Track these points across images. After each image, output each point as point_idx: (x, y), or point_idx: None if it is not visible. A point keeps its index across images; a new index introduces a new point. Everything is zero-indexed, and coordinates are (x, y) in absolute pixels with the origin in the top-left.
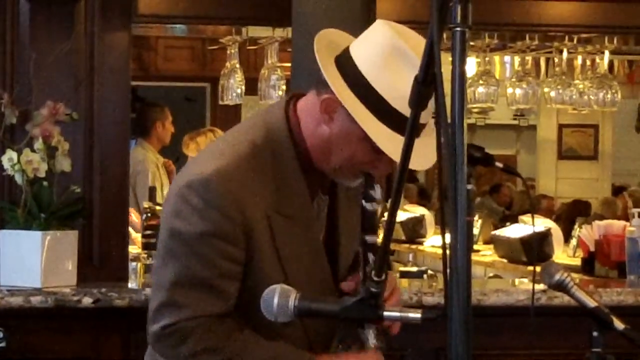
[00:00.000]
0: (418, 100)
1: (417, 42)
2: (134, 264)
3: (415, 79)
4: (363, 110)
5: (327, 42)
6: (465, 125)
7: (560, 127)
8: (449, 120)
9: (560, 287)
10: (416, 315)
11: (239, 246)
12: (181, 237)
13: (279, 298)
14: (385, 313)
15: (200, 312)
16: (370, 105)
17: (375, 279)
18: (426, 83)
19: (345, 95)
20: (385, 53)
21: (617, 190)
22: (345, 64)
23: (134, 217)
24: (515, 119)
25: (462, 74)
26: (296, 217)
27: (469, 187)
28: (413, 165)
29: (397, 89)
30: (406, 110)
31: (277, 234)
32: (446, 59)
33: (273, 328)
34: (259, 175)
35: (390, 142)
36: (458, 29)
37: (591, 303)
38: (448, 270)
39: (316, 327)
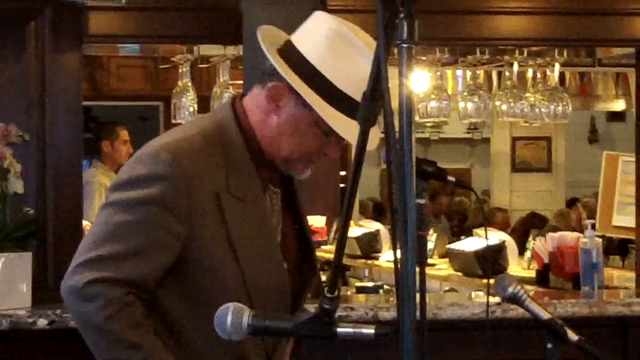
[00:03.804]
0: (366, 116)
1: (359, 29)
2: None
3: (364, 95)
4: (311, 94)
5: (269, 36)
6: (414, 139)
7: (514, 140)
8: (397, 136)
9: (514, 299)
10: (369, 330)
11: (181, 219)
12: (121, 203)
13: (232, 317)
14: (339, 330)
15: (121, 276)
16: (317, 89)
17: (329, 295)
18: (374, 99)
19: (292, 80)
20: (329, 39)
21: (571, 202)
22: (289, 53)
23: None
24: (468, 133)
25: (409, 89)
26: (247, 201)
27: (421, 201)
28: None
29: (342, 72)
30: (353, 93)
31: (227, 212)
32: (395, 74)
33: None
34: (209, 157)
35: (339, 122)
36: (404, 45)
37: (545, 315)
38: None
39: None
